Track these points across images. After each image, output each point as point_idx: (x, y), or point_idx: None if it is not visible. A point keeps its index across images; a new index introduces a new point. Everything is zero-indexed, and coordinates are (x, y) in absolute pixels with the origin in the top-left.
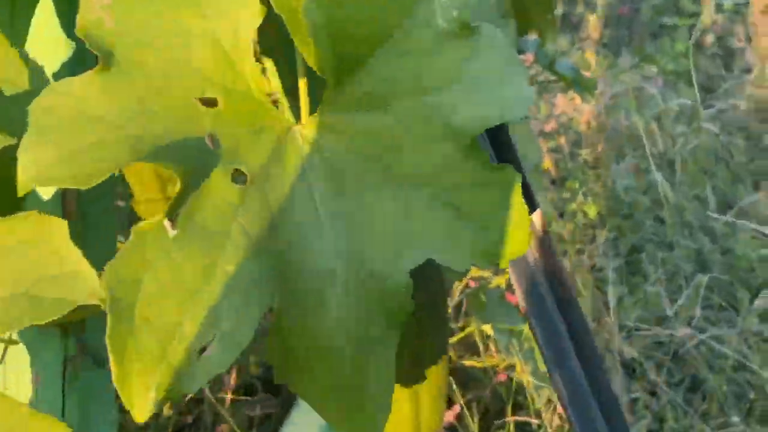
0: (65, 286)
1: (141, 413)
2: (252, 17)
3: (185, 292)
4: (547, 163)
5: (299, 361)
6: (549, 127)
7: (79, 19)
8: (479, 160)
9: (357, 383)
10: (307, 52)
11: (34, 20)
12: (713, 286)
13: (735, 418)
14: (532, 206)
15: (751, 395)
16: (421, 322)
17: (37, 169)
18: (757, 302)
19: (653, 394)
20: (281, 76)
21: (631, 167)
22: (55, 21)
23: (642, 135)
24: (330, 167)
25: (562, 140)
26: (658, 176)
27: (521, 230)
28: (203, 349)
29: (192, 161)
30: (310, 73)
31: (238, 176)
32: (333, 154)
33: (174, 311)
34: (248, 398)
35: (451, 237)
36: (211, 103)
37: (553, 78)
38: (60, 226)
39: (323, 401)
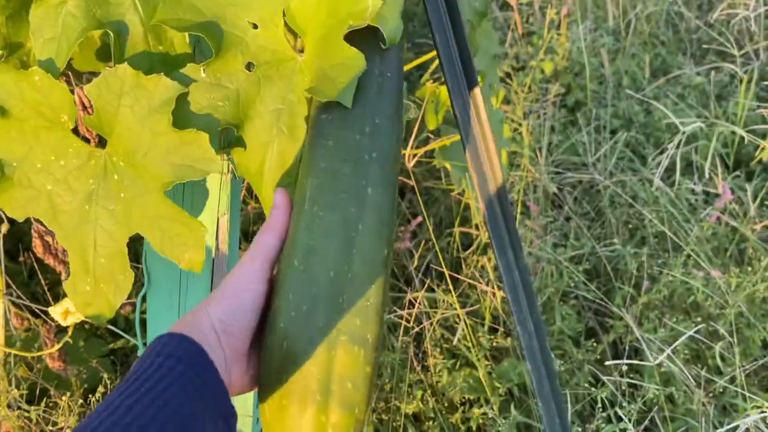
0: (206, 164)
1: None
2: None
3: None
4: (517, 18)
5: (249, 167)
6: None
7: None
8: None
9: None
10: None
11: None
12: (630, 141)
13: (616, 240)
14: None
15: (630, 225)
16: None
17: (163, 16)
18: (659, 158)
19: (568, 219)
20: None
21: (589, 29)
22: None
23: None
24: (303, 85)
25: None
26: (607, 40)
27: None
28: None
29: (226, 46)
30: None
31: (249, 65)
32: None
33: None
34: None
35: None
36: (254, 26)
37: None
38: (204, 136)
39: (258, 187)
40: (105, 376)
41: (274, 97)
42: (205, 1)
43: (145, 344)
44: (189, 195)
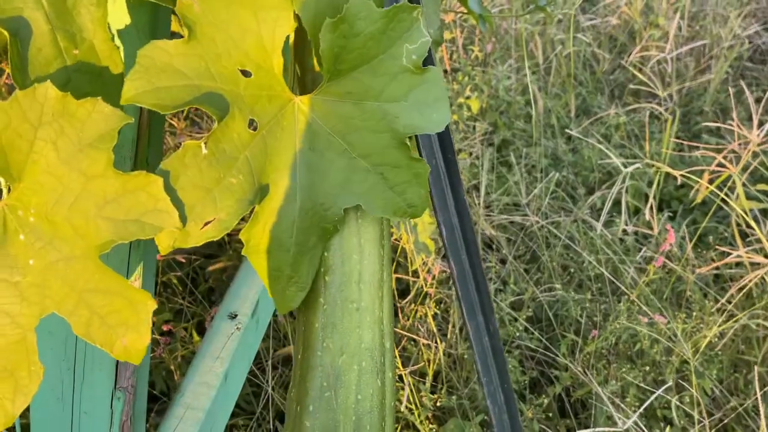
0: (158, 219)
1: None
2: (286, 28)
3: (203, 189)
4: (444, 53)
5: (260, 245)
6: (448, 18)
7: (178, 3)
8: (406, 153)
9: (290, 272)
10: (317, 59)
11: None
12: (561, 181)
13: (557, 285)
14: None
15: (572, 269)
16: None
17: (135, 92)
18: (590, 198)
19: (503, 262)
20: (288, 69)
21: (513, 69)
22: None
23: (528, 39)
24: (311, 131)
25: (458, 33)
26: (531, 81)
27: (423, 201)
28: (206, 224)
29: (227, 109)
30: (312, 70)
31: (252, 124)
32: (315, 123)
33: (194, 199)
34: None
35: (377, 194)
36: (246, 73)
37: None
38: (157, 180)
39: (268, 275)
40: None
41: (281, 152)
42: (185, 59)
43: None
44: None
